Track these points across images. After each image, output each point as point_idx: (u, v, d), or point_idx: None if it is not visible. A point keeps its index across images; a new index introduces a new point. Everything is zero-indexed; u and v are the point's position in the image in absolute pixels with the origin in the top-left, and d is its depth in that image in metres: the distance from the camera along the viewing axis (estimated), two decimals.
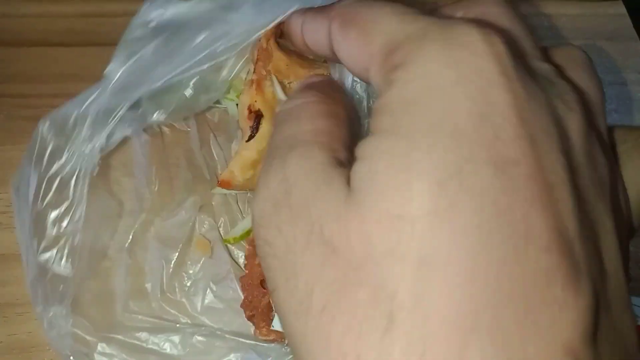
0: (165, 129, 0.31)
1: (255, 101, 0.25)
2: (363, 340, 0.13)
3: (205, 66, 0.26)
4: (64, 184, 0.25)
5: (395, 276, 0.13)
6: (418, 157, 0.13)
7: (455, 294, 0.12)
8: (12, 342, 0.27)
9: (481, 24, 0.15)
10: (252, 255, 0.25)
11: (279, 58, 0.25)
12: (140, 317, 0.27)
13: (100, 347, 0.26)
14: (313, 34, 0.20)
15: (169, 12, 0.26)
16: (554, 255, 0.13)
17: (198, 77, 0.27)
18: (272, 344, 0.26)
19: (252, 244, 0.26)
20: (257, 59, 0.26)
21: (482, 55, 0.14)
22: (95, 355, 0.26)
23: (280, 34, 0.26)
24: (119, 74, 0.25)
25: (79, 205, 0.25)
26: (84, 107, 0.25)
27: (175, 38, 0.26)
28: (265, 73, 0.26)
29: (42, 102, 0.32)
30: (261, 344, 0.27)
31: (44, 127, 0.25)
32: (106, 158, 0.28)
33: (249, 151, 0.25)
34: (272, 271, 0.15)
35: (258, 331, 0.25)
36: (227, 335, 0.27)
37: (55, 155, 0.25)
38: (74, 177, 0.25)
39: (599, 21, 0.40)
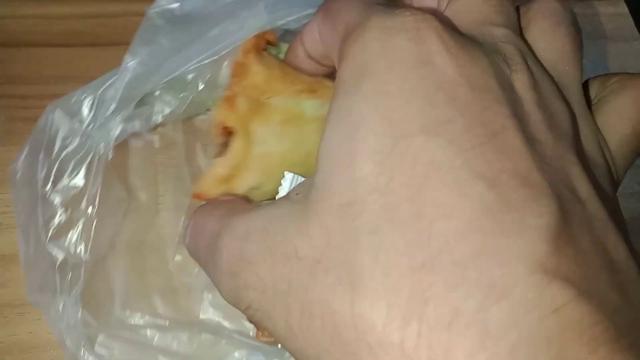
0: (168, 129, 0.31)
1: (226, 118, 0.25)
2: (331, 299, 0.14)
3: (216, 57, 0.26)
4: (77, 168, 0.25)
5: (358, 254, 0.14)
6: (356, 145, 0.14)
7: (409, 251, 0.13)
8: (13, 342, 0.27)
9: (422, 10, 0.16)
10: None
11: (257, 72, 0.25)
12: (140, 314, 0.27)
13: (102, 340, 0.26)
14: (308, 37, 0.21)
15: (185, 4, 0.27)
16: (507, 186, 0.13)
17: (210, 73, 0.27)
18: (274, 347, 0.26)
19: None
20: (232, 74, 0.26)
21: (417, 30, 0.15)
22: (97, 347, 0.25)
23: (265, 44, 0.26)
24: (134, 62, 0.25)
25: (92, 189, 0.25)
26: (100, 91, 0.26)
27: (190, 30, 0.26)
28: (239, 89, 0.25)
29: (42, 103, 0.32)
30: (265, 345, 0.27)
31: (53, 113, 0.25)
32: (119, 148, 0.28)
33: (219, 168, 0.24)
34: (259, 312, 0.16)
35: (259, 332, 0.25)
36: (234, 335, 0.27)
37: (68, 139, 0.25)
38: (87, 161, 0.25)
39: (600, 20, 0.40)
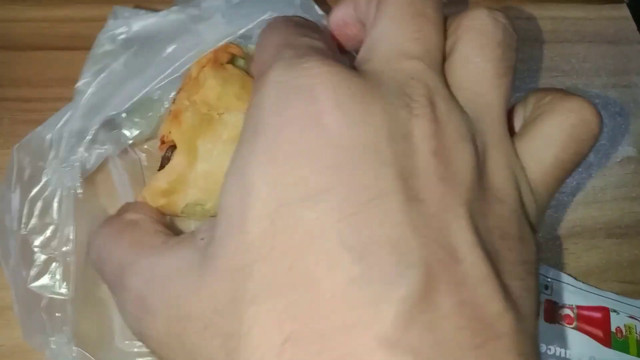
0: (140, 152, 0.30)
1: (170, 132, 0.25)
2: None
3: (177, 74, 0.25)
4: (47, 206, 0.25)
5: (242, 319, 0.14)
6: (247, 210, 0.14)
7: (280, 324, 0.13)
8: (14, 345, 0.27)
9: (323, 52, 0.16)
10: None
11: (211, 87, 0.25)
12: (139, 343, 0.26)
13: None
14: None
15: (137, 24, 0.26)
16: (375, 256, 0.13)
17: (174, 91, 0.26)
18: None
19: None
20: (181, 88, 0.26)
21: (311, 88, 0.15)
22: None
23: (230, 57, 0.26)
24: (88, 92, 0.25)
25: (66, 226, 0.24)
26: (57, 128, 0.25)
27: (145, 51, 0.26)
28: (187, 103, 0.25)
29: (45, 106, 0.32)
30: None
31: (19, 153, 0.25)
32: (92, 178, 0.27)
33: (159, 182, 0.24)
34: None
35: None
36: None
37: (35, 178, 0.25)
38: (56, 198, 0.25)
39: (603, 24, 0.40)
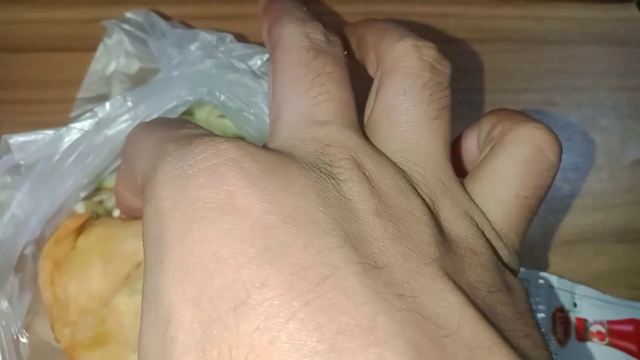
0: None
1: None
2: None
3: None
4: None
5: None
6: (170, 347, 0.12)
7: None
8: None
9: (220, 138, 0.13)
10: None
11: (77, 305, 0.24)
12: None
13: None
14: (118, 189, 0.21)
15: (34, 149, 0.25)
16: (346, 350, 0.11)
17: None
18: None
19: None
20: (51, 322, 0.24)
21: (212, 170, 0.12)
22: None
23: (74, 236, 0.25)
24: None
25: None
26: None
27: (48, 176, 0.25)
28: (69, 328, 0.24)
29: (45, 108, 0.32)
30: None
31: None
32: None
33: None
34: None
35: None
36: None
37: None
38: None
39: (612, 25, 0.39)
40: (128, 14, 0.30)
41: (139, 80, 0.30)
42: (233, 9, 0.36)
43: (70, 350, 0.24)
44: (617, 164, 0.34)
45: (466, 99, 0.36)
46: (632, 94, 0.37)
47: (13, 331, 0.24)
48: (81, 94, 0.29)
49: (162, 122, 0.16)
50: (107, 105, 0.25)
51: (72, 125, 0.25)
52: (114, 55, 0.30)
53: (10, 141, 0.25)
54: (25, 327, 0.25)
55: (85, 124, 0.25)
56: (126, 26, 0.30)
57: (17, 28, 0.34)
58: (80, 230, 0.25)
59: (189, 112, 0.29)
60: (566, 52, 0.38)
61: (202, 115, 0.30)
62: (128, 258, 0.24)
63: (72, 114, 0.29)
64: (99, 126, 0.25)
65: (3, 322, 0.24)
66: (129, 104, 0.25)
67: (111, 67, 0.30)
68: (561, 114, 0.35)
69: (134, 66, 0.30)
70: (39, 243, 0.25)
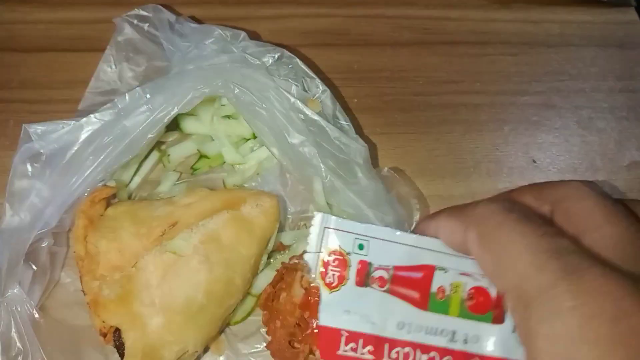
0: None
1: (103, 321, 0.24)
2: None
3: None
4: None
5: None
6: None
7: None
8: None
9: (608, 265, 0.16)
10: (270, 319, 0.24)
11: (106, 251, 0.25)
12: None
13: None
14: (448, 235, 0.21)
15: (54, 137, 0.26)
16: None
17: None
18: None
19: (267, 308, 0.24)
20: (80, 275, 0.25)
21: (604, 295, 0.15)
22: None
23: (106, 201, 0.26)
24: (16, 219, 0.25)
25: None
26: None
27: (68, 164, 0.26)
28: (97, 283, 0.24)
29: (51, 107, 0.32)
30: None
31: None
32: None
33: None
34: None
35: None
36: None
37: None
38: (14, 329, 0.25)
39: (610, 28, 0.40)
40: (137, 10, 0.30)
41: (147, 77, 0.30)
42: (237, 12, 0.36)
43: (94, 304, 0.24)
44: (614, 165, 0.35)
45: (465, 100, 0.36)
46: (629, 96, 0.37)
47: (28, 312, 0.25)
48: (90, 88, 0.29)
49: (519, 221, 0.18)
50: (127, 96, 0.26)
51: (92, 115, 0.25)
52: (124, 51, 0.30)
53: (31, 130, 0.25)
54: (40, 307, 0.26)
55: (105, 115, 0.25)
56: (136, 22, 0.30)
57: (24, 28, 0.35)
58: (107, 203, 0.27)
59: (193, 114, 0.30)
60: (564, 55, 0.38)
61: (206, 117, 0.30)
62: (162, 219, 0.25)
63: (81, 107, 0.29)
64: (118, 117, 0.25)
65: (18, 308, 0.24)
66: (147, 95, 0.26)
67: (120, 63, 0.30)
68: (559, 116, 0.35)
69: (143, 62, 0.30)
70: (54, 234, 0.26)
